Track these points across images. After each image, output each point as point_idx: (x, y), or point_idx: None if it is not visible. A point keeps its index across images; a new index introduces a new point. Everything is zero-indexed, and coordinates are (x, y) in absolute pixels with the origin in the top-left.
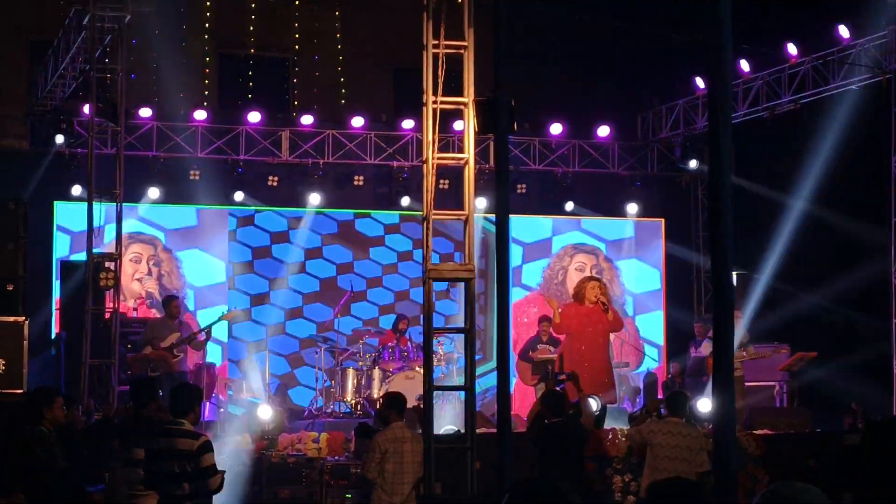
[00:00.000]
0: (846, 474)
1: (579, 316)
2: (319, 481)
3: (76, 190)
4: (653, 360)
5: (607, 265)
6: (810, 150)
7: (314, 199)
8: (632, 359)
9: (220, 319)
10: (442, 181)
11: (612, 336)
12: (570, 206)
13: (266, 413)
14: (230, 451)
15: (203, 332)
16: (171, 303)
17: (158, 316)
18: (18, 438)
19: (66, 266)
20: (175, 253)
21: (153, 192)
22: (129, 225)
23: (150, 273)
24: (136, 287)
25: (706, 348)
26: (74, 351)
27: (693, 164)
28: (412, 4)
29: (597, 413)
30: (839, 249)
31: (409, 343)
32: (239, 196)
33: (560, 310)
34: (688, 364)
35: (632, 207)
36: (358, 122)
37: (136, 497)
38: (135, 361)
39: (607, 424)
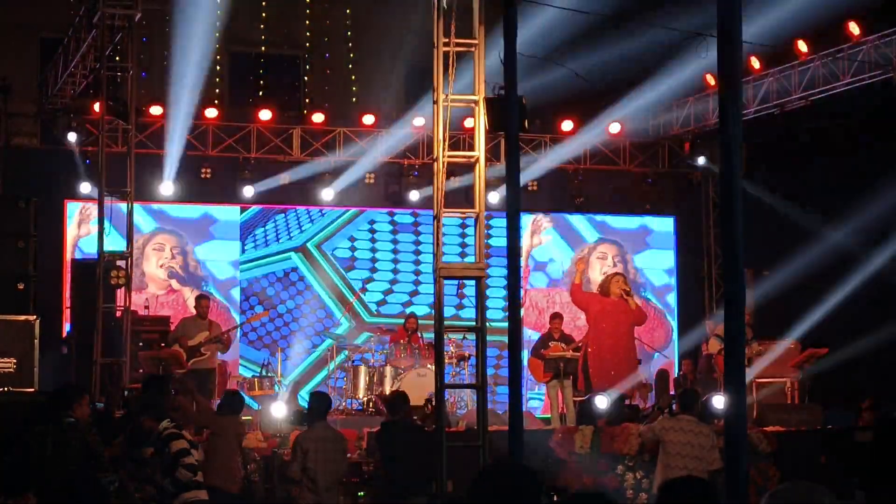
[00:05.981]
0: (858, 471)
1: (601, 307)
2: None
3: (87, 188)
4: (664, 356)
5: (628, 256)
6: (821, 148)
7: (325, 196)
8: (644, 355)
9: (244, 322)
10: (453, 178)
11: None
12: (580, 200)
13: (278, 411)
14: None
15: (229, 334)
16: (200, 301)
17: (190, 314)
18: (34, 436)
19: (77, 264)
20: (195, 250)
21: (166, 188)
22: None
23: (173, 258)
24: (160, 274)
25: (713, 346)
26: (85, 350)
27: (702, 160)
28: (423, 2)
29: (608, 410)
30: (850, 247)
31: (420, 340)
32: (249, 193)
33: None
34: (699, 361)
35: (643, 204)
36: (369, 119)
37: (142, 495)
38: (146, 360)
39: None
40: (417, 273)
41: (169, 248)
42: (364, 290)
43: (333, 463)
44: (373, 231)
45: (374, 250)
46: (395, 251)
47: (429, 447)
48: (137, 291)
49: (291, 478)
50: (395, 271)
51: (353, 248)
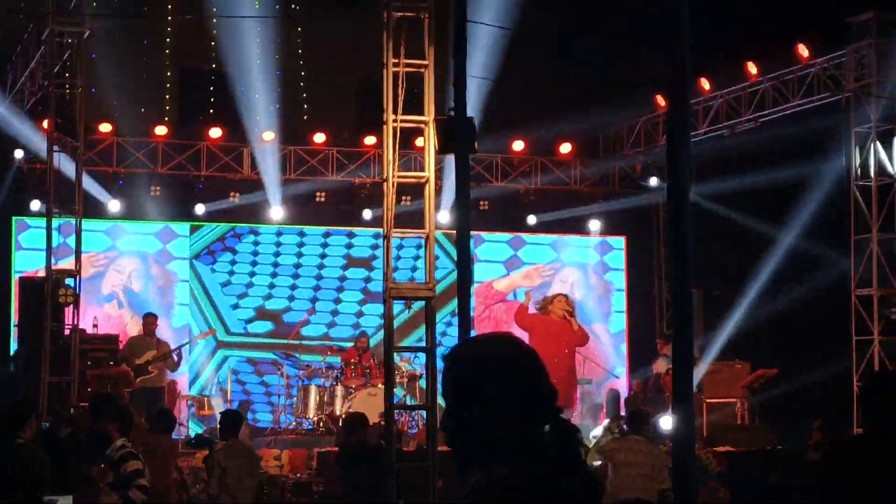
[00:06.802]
0: (809, 492)
1: (545, 328)
2: (282, 499)
3: (35, 205)
4: (614, 376)
5: (593, 281)
6: (769, 169)
7: (275, 214)
8: (595, 375)
9: (191, 341)
10: (404, 197)
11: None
12: (532, 220)
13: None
14: (191, 469)
15: (176, 353)
16: (147, 319)
17: (136, 334)
18: None
19: (25, 282)
20: (166, 267)
21: (113, 206)
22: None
23: (129, 282)
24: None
25: (660, 365)
26: (33, 368)
27: (654, 181)
28: (374, 21)
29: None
30: (799, 268)
31: (371, 360)
32: (200, 211)
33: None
34: (649, 380)
35: (594, 224)
36: (319, 138)
37: None
38: (94, 378)
39: None
40: (294, 288)
41: (129, 271)
42: (237, 306)
43: (250, 479)
44: (256, 244)
45: (254, 263)
46: (275, 265)
47: (384, 468)
48: (98, 308)
49: (211, 494)
50: (271, 286)
51: (232, 262)
